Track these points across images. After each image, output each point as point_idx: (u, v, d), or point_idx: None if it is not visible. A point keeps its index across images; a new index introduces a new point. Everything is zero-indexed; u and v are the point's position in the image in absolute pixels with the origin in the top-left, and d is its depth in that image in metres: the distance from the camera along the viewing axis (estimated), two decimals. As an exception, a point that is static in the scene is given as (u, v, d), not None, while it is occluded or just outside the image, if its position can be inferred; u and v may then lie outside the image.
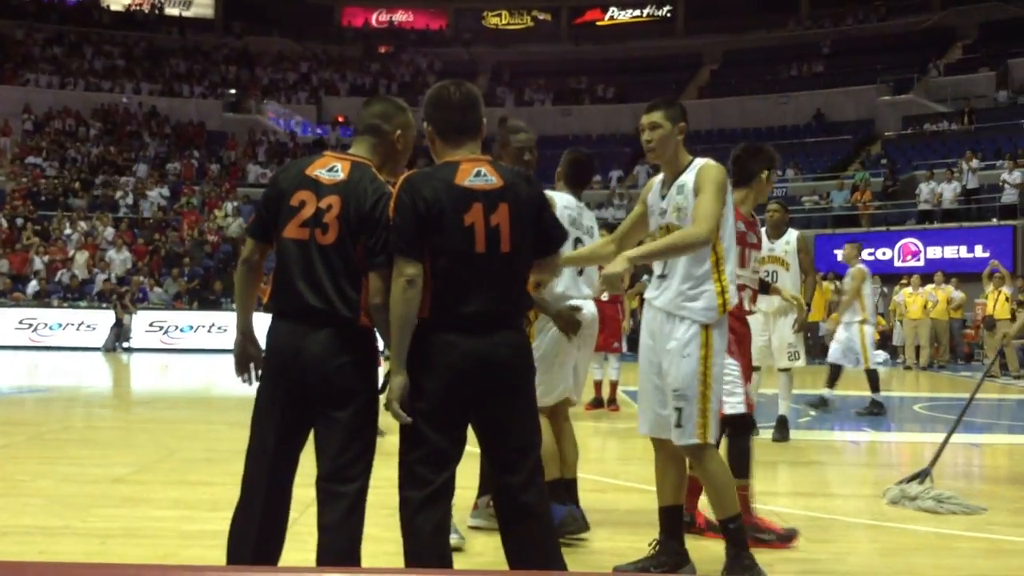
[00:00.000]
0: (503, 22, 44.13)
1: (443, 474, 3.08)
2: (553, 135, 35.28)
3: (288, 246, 3.13)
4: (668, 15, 42.84)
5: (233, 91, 36.31)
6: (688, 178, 3.86)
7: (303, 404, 3.14)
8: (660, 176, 4.06)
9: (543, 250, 3.26)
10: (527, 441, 3.16)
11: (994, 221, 21.89)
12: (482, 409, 3.12)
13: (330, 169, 3.16)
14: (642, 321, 4.04)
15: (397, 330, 3.03)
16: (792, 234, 7.96)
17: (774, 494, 5.71)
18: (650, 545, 4.13)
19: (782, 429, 8.00)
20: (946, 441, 5.88)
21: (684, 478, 4.05)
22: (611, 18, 43.38)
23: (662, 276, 3.91)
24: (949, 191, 22.87)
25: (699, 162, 3.90)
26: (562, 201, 4.81)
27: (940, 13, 36.94)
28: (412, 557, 3.06)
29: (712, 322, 3.80)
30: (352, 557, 3.09)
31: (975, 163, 23.07)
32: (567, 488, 4.67)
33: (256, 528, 3.17)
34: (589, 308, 4.85)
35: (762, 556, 4.45)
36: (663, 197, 3.96)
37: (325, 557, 3.06)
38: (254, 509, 3.17)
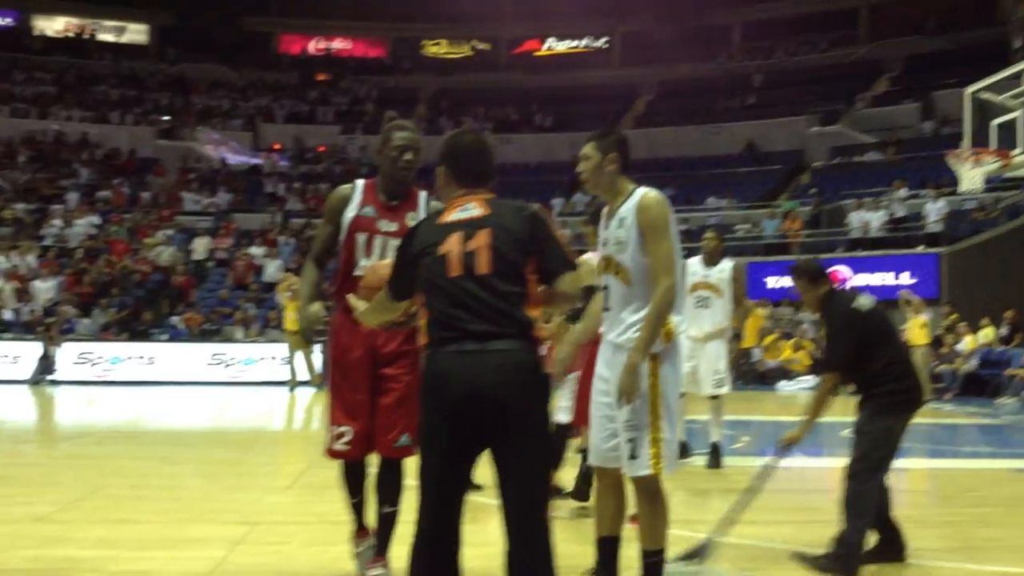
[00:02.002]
0: (442, 51, 44.32)
1: (443, 507, 3.06)
2: (491, 163, 35.45)
3: None
4: (605, 47, 43.44)
5: (167, 118, 35.84)
6: (627, 211, 3.89)
7: None
8: (608, 208, 4.11)
9: (546, 278, 3.26)
10: (526, 489, 3.05)
11: (920, 249, 22.48)
12: (485, 438, 3.09)
13: None
14: (598, 353, 4.09)
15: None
16: (727, 263, 8.14)
17: (706, 522, 5.75)
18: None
19: (715, 456, 8.08)
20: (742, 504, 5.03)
21: (623, 510, 4.08)
22: (549, 49, 43.83)
23: (607, 309, 3.98)
24: (876, 219, 23.46)
25: (638, 194, 3.91)
26: None
27: (866, 47, 38.04)
28: None
29: (659, 351, 3.83)
30: None
31: (903, 192, 23.72)
32: None
33: None
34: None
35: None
36: (605, 228, 4.03)
37: None
38: None
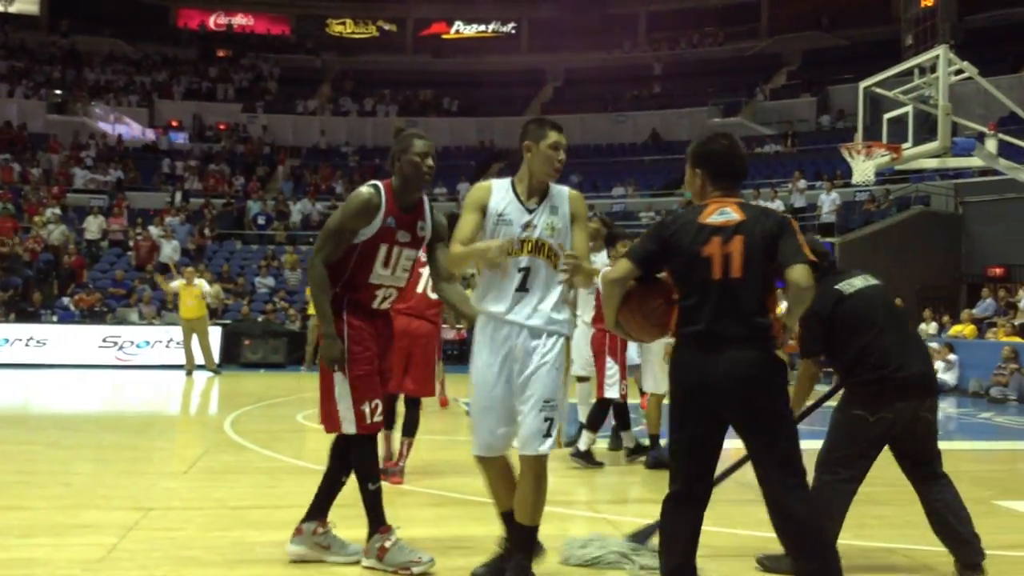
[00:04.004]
0: (347, 31, 43.69)
1: (695, 473, 3.51)
2: (397, 146, 35.21)
3: None
4: (512, 32, 43.47)
5: (59, 92, 34.41)
6: (560, 200, 4.05)
7: None
8: (499, 183, 4.08)
9: (779, 270, 3.51)
10: (784, 456, 3.45)
11: (816, 239, 23.17)
12: (729, 421, 3.50)
13: None
14: (488, 337, 3.99)
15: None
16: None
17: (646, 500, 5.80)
18: (498, 544, 4.18)
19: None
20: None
21: (515, 482, 4.04)
22: (457, 32, 43.64)
23: (523, 290, 3.94)
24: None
25: (564, 189, 4.11)
26: None
27: (767, 40, 39.00)
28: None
29: (570, 335, 4.07)
30: None
31: (802, 183, 24.41)
32: None
33: None
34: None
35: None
36: (529, 211, 3.99)
37: None
38: None
